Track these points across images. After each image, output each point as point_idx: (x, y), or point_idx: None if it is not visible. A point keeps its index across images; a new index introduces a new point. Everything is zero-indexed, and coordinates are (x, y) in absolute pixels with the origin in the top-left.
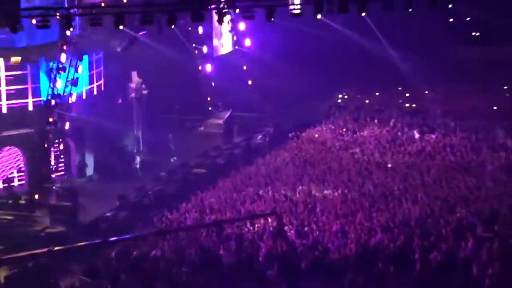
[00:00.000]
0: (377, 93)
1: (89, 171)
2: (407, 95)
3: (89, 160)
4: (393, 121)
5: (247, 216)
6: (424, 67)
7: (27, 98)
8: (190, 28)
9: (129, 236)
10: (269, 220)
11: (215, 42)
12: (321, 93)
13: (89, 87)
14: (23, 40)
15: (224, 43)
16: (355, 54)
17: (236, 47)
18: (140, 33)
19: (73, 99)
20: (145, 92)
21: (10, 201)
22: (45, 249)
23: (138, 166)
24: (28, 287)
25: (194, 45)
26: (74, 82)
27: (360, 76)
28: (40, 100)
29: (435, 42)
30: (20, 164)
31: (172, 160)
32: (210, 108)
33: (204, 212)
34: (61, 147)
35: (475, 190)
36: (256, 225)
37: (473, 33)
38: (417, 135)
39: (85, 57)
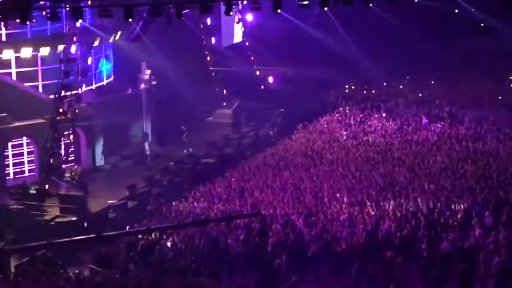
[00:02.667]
0: (384, 83)
1: (99, 160)
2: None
3: (99, 150)
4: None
5: (230, 216)
6: (431, 56)
7: (38, 88)
8: (198, 20)
9: (134, 229)
10: (278, 210)
11: (223, 32)
12: (328, 84)
13: (99, 77)
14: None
15: (232, 34)
16: (361, 44)
17: (244, 38)
18: (149, 25)
19: (83, 89)
20: (154, 82)
21: (21, 191)
22: (49, 241)
23: (148, 153)
24: (38, 276)
25: (202, 36)
26: (84, 73)
27: (366, 66)
28: (51, 91)
29: (442, 31)
30: (31, 154)
31: (185, 151)
32: (224, 104)
33: (212, 202)
34: (71, 137)
35: (481, 179)
36: (264, 214)
37: (482, 24)
38: (424, 120)
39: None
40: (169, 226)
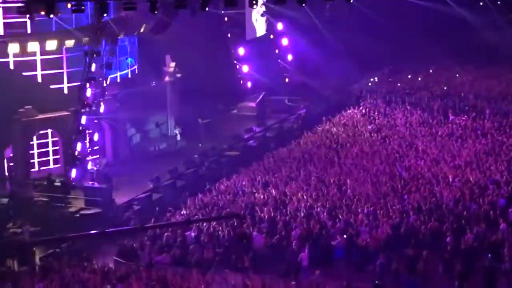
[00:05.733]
0: (408, 76)
1: (125, 152)
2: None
3: (124, 142)
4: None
5: (211, 218)
6: (456, 49)
7: (62, 81)
8: (222, 12)
9: (159, 223)
10: (301, 202)
11: (248, 25)
12: (352, 77)
13: (123, 70)
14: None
15: (256, 27)
16: (386, 36)
17: (268, 31)
18: (174, 17)
19: (107, 82)
20: (178, 75)
21: (45, 183)
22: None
23: (178, 139)
24: (63, 268)
25: (226, 29)
26: (109, 66)
27: (392, 58)
28: (76, 84)
29: (467, 25)
30: (56, 146)
31: (200, 145)
32: (248, 96)
33: (236, 194)
34: (96, 129)
35: (507, 173)
36: (289, 207)
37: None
38: (451, 117)
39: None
40: (153, 225)
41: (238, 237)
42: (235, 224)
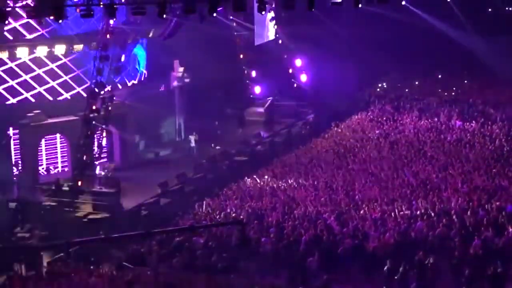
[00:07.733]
0: (416, 82)
1: (133, 157)
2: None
3: (132, 147)
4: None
5: (212, 224)
6: (464, 56)
7: (71, 86)
8: (231, 17)
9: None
10: (309, 207)
11: (256, 31)
12: (361, 82)
13: (132, 75)
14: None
15: (265, 32)
16: (396, 41)
17: (277, 36)
18: (183, 22)
19: (116, 86)
20: (187, 80)
21: (54, 188)
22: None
23: (193, 145)
24: (70, 273)
25: (235, 33)
26: (117, 70)
27: (400, 64)
28: (84, 88)
29: (479, 29)
30: (64, 150)
31: (212, 146)
32: (251, 96)
33: (244, 200)
34: (104, 134)
35: None
36: (296, 212)
37: None
38: (458, 123)
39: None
40: (160, 231)
41: (239, 243)
42: (237, 230)
